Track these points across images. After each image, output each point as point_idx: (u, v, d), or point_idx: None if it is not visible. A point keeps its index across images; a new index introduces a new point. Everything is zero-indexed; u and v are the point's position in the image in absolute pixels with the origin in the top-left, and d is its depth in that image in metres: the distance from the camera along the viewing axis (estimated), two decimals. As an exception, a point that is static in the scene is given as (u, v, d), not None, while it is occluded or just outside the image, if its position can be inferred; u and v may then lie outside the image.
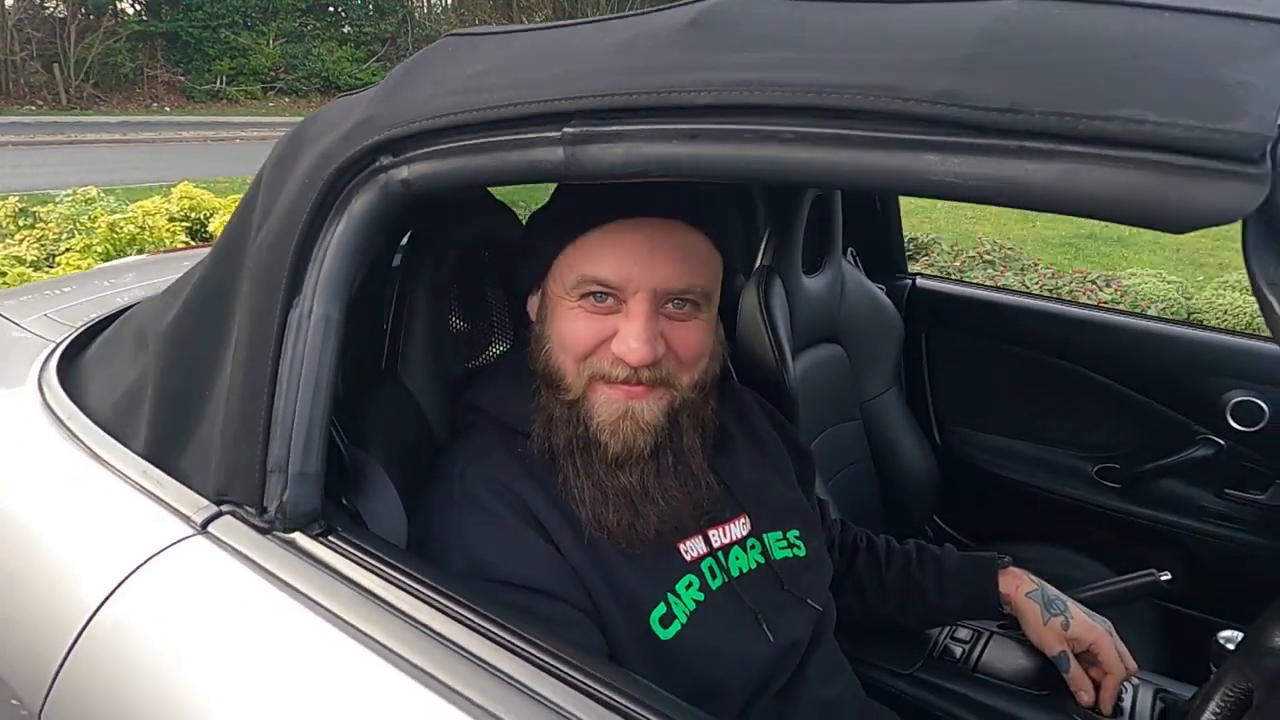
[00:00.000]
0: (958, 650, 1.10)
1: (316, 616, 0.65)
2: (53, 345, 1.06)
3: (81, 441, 0.86)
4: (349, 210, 0.68)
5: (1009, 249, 5.10)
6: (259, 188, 0.76)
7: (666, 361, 0.79)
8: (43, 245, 4.26)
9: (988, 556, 1.08)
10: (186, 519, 0.74)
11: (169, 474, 0.79)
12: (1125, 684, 1.01)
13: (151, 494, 0.77)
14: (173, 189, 5.47)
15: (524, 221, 0.91)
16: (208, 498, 0.76)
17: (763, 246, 1.43)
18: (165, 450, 0.80)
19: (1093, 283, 4.56)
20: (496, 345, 1.06)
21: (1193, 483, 1.58)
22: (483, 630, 0.62)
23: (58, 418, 0.89)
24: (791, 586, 0.88)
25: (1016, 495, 1.72)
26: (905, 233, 5.98)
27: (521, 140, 0.59)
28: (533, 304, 0.88)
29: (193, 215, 5.20)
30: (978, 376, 1.78)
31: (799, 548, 0.92)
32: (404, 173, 0.65)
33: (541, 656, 0.61)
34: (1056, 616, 1.00)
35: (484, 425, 0.87)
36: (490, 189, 1.01)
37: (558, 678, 0.59)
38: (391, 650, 0.62)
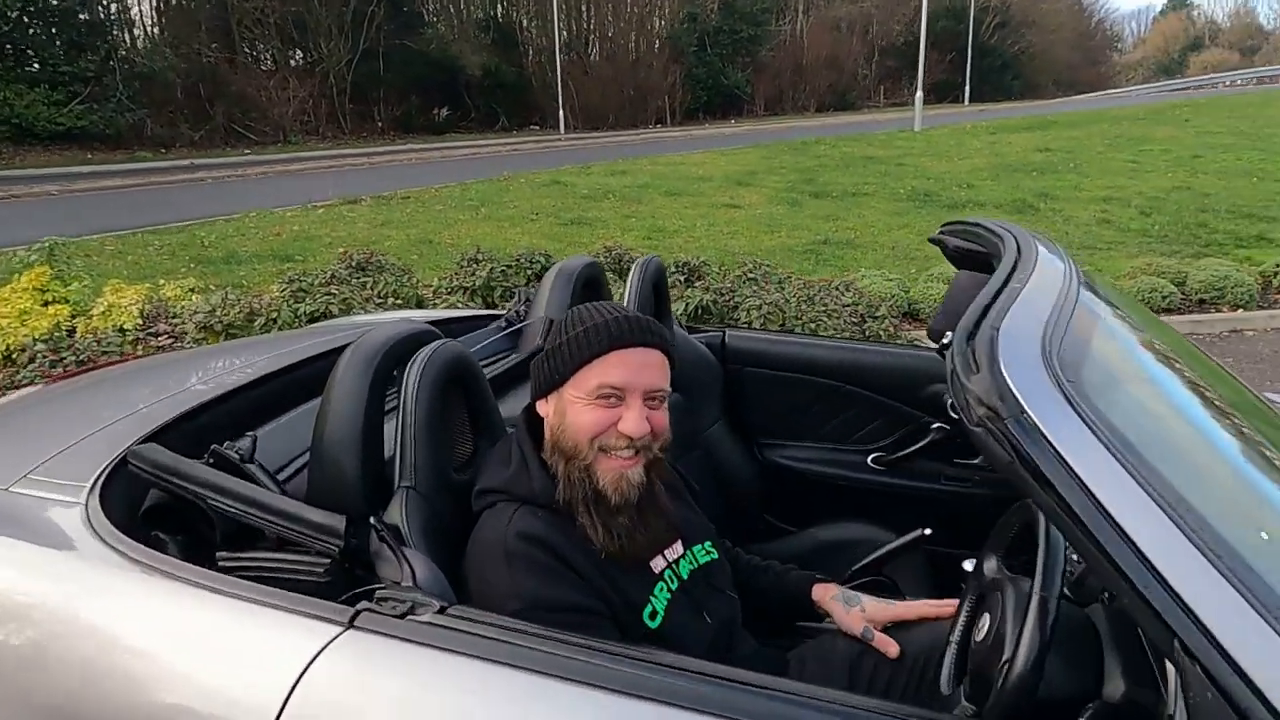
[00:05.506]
0: None
1: None
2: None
3: None
4: None
5: (766, 265, 5.91)
6: None
7: (648, 435, 1.16)
8: None
9: (806, 575, 1.47)
10: None
11: None
12: None
13: None
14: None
15: None
16: None
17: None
18: None
19: (836, 289, 5.46)
20: (463, 449, 1.37)
21: (934, 458, 2.19)
22: (550, 641, 0.96)
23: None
24: (714, 581, 1.29)
25: (819, 487, 2.27)
26: (674, 255, 6.50)
27: None
28: (545, 405, 1.20)
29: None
30: (779, 401, 2.30)
31: (712, 554, 1.33)
32: None
33: (591, 647, 0.96)
34: (854, 607, 1.38)
35: (503, 502, 1.17)
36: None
37: (603, 655, 0.95)
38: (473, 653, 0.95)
